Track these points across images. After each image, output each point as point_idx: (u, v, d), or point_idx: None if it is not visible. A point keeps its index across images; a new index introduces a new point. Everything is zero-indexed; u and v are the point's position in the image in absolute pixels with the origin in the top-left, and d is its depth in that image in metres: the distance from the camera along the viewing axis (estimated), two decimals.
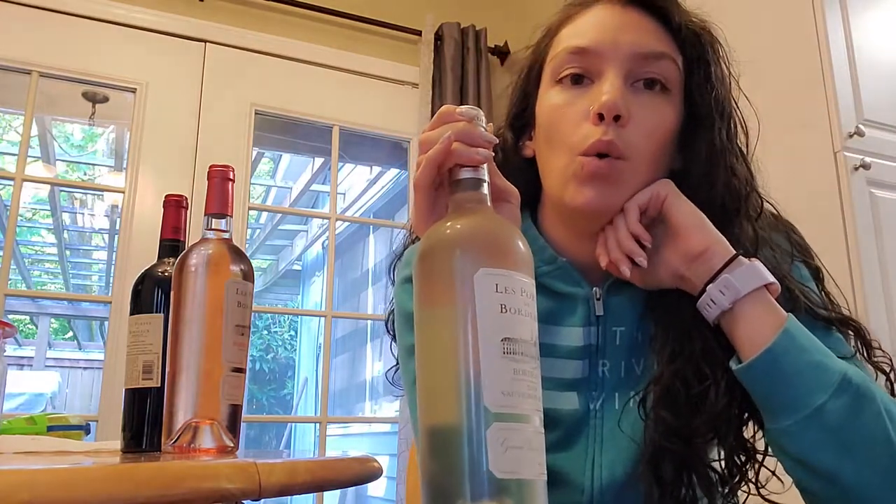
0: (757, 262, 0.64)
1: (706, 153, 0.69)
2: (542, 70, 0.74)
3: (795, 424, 0.60)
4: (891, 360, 0.69)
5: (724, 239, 0.65)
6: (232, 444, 0.66)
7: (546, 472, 0.46)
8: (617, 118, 0.65)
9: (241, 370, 0.70)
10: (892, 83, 1.73)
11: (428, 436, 0.47)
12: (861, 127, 1.60)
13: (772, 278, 0.63)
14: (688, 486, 0.66)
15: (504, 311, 0.46)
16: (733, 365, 0.63)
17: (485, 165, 0.54)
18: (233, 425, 0.68)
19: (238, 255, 0.71)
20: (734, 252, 0.64)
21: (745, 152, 0.72)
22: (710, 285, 0.63)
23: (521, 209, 0.65)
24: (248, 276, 0.71)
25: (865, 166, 1.56)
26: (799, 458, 0.61)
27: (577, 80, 0.69)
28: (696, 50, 0.70)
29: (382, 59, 2.62)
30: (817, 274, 0.74)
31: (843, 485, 0.59)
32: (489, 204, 0.53)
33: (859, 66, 1.67)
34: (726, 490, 0.67)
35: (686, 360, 0.66)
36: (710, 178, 0.69)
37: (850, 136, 1.58)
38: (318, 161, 4.98)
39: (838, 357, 0.63)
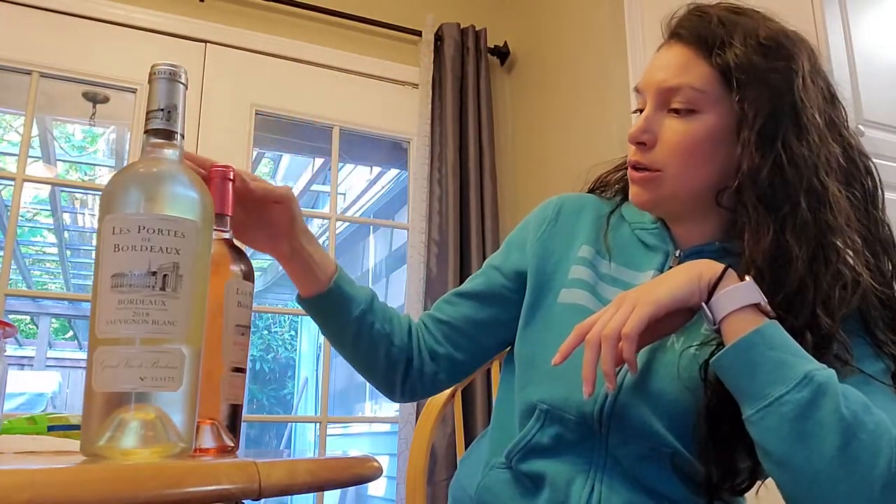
0: (745, 283, 0.73)
1: (746, 148, 0.79)
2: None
3: (756, 413, 0.68)
4: None
5: (703, 272, 0.74)
6: (232, 444, 0.66)
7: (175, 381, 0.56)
8: (643, 144, 0.83)
9: (241, 370, 0.70)
10: (892, 83, 1.73)
11: None
12: (861, 127, 1.60)
13: (757, 299, 0.71)
14: (732, 449, 0.76)
15: (117, 249, 0.55)
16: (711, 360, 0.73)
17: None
18: (233, 425, 0.68)
19: (238, 254, 0.71)
20: (717, 278, 0.73)
21: (843, 123, 0.86)
22: (704, 305, 0.74)
23: None
24: (248, 275, 0.71)
25: None
26: (760, 445, 0.69)
27: (640, 110, 0.87)
28: (746, 71, 0.79)
29: (382, 60, 2.62)
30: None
31: (794, 470, 0.66)
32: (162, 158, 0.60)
33: (859, 67, 1.67)
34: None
35: None
36: (753, 169, 0.78)
37: None
38: (318, 161, 4.98)
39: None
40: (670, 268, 0.85)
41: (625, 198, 0.96)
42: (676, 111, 0.82)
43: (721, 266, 0.74)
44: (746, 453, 0.76)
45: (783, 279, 0.74)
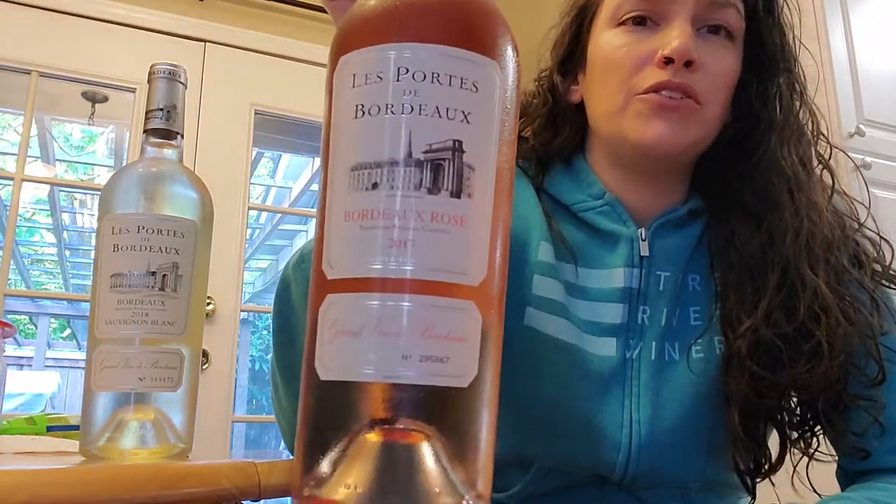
0: None
1: (781, 101, 0.68)
2: (597, 12, 0.72)
3: None
4: None
5: None
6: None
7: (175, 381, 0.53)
8: (689, 64, 0.63)
9: None
10: (893, 83, 1.73)
11: None
12: (861, 127, 1.60)
13: None
14: (765, 436, 0.66)
15: (116, 250, 0.55)
16: None
17: None
18: None
19: None
20: None
21: (810, 98, 0.72)
22: None
23: (572, 152, 0.69)
24: None
25: (865, 166, 1.56)
26: None
27: (640, 21, 0.67)
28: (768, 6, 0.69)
29: None
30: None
31: None
32: None
33: (860, 67, 1.67)
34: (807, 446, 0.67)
35: (785, 314, 0.64)
36: (786, 126, 0.68)
37: (850, 136, 1.58)
38: (318, 161, 4.97)
39: None
40: (641, 258, 0.69)
41: (541, 168, 0.75)
42: (715, 31, 0.66)
43: None
44: (780, 430, 0.68)
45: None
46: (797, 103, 0.70)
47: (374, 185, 0.29)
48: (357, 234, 0.29)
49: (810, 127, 0.71)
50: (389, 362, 0.28)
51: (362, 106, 0.31)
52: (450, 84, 0.30)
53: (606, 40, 0.69)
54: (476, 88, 0.31)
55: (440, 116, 0.30)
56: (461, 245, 0.30)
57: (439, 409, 0.29)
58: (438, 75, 0.30)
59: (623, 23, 0.68)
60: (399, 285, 0.29)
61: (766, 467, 0.68)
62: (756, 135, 0.69)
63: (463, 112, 0.30)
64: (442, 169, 0.29)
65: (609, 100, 0.68)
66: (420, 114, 0.30)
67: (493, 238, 0.31)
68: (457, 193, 0.29)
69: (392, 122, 0.30)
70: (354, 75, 0.31)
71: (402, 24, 0.31)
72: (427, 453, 0.28)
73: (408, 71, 0.30)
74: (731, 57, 0.67)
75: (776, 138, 0.68)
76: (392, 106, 0.30)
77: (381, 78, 0.30)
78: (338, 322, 0.29)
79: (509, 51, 0.33)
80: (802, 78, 0.72)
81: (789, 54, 0.70)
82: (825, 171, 0.71)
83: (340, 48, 0.33)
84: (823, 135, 0.72)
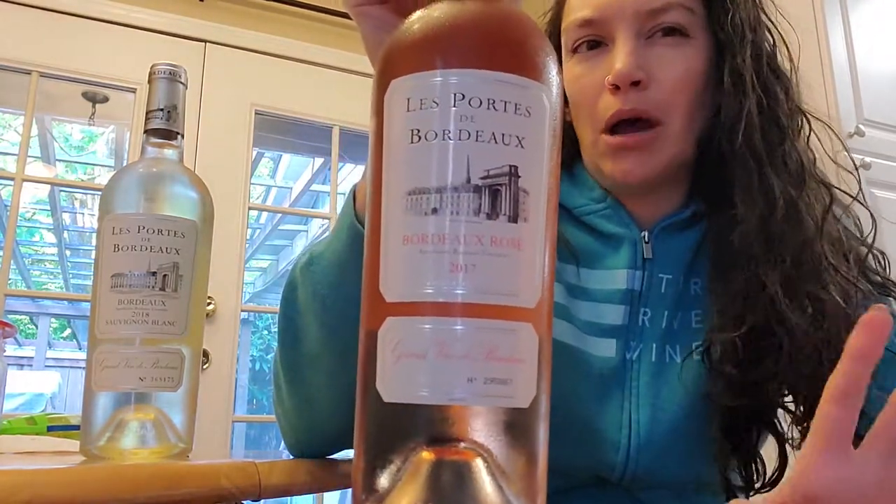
0: None
1: (731, 82, 0.66)
2: (560, 41, 0.72)
3: None
4: None
5: None
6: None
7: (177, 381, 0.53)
8: (637, 83, 0.63)
9: None
10: (892, 83, 1.73)
11: None
12: (861, 127, 1.60)
13: None
14: (756, 441, 0.65)
15: (116, 250, 0.55)
16: None
17: None
18: None
19: None
20: None
21: (783, 71, 0.69)
22: None
23: (573, 158, 0.71)
24: None
25: (865, 166, 1.56)
26: None
27: (594, 45, 0.68)
28: None
29: None
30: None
31: None
32: None
33: (859, 67, 1.67)
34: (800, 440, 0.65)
35: (747, 315, 0.63)
36: (740, 107, 0.65)
37: (850, 135, 1.58)
38: (318, 161, 4.98)
39: None
40: (644, 261, 0.69)
41: None
42: (665, 36, 0.65)
43: None
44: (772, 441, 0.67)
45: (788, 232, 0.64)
46: (767, 77, 0.67)
47: (434, 210, 0.30)
48: (417, 258, 0.30)
49: (783, 102, 0.68)
50: (455, 385, 0.29)
51: (418, 131, 0.31)
52: (504, 110, 0.31)
53: (568, 70, 0.70)
54: (529, 114, 0.31)
55: (496, 142, 0.31)
56: (519, 268, 0.31)
57: (501, 429, 0.30)
58: (494, 101, 0.31)
59: (576, 49, 0.69)
60: (461, 309, 0.30)
61: (763, 481, 0.67)
62: (730, 123, 0.66)
63: (517, 137, 0.31)
64: (499, 194, 0.30)
65: (583, 134, 0.70)
66: (477, 140, 0.30)
67: (545, 260, 0.32)
68: (514, 218, 0.30)
69: (450, 147, 0.31)
70: (409, 99, 0.32)
71: (456, 49, 0.32)
72: (484, 472, 0.29)
73: (464, 97, 0.31)
74: (687, 56, 0.66)
75: (727, 131, 0.66)
76: (449, 132, 0.31)
77: (436, 103, 0.31)
78: (401, 345, 0.30)
79: (554, 72, 0.34)
80: (775, 51, 0.70)
81: (753, 29, 0.68)
82: (798, 156, 0.68)
83: (390, 71, 0.33)
84: (800, 110, 0.69)
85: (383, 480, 0.30)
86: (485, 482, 0.29)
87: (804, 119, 0.70)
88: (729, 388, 0.63)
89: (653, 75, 0.64)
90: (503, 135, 0.31)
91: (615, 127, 0.65)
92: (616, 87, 0.64)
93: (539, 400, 0.31)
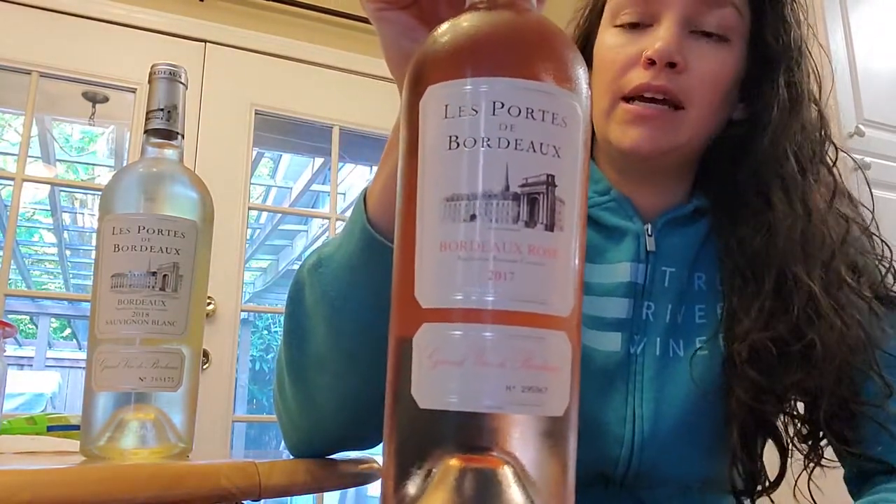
0: None
1: (779, 99, 0.67)
2: (603, 11, 0.72)
3: None
4: None
5: None
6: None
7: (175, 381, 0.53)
8: (673, 65, 0.64)
9: None
10: (892, 83, 1.73)
11: None
12: (861, 127, 1.60)
13: None
14: (764, 444, 0.66)
15: (116, 250, 0.55)
16: None
17: None
18: None
19: None
20: None
21: (817, 99, 0.71)
22: None
23: None
24: None
25: (865, 166, 1.56)
26: None
27: (635, 25, 0.68)
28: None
29: (382, 59, 2.61)
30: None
31: None
32: None
33: (859, 67, 1.67)
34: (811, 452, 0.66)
35: (779, 317, 0.64)
36: (782, 125, 0.67)
37: (850, 136, 1.58)
38: (318, 161, 4.98)
39: None
40: (648, 254, 0.70)
41: None
42: (708, 35, 0.66)
43: None
44: (778, 447, 0.67)
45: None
46: (800, 102, 0.69)
47: (472, 217, 0.30)
48: (455, 265, 0.30)
49: (817, 127, 0.71)
50: (493, 393, 0.29)
51: (456, 137, 0.31)
52: (542, 119, 0.31)
53: (603, 39, 0.70)
54: (565, 123, 0.32)
55: (535, 151, 0.31)
56: (555, 277, 0.31)
57: (535, 437, 0.30)
58: (532, 111, 0.31)
59: (620, 25, 0.69)
60: (498, 316, 0.30)
61: (762, 486, 0.67)
62: (755, 133, 0.68)
63: (554, 147, 0.31)
64: (537, 203, 0.30)
65: (598, 100, 0.69)
66: (516, 148, 0.30)
67: (577, 269, 0.32)
68: (550, 227, 0.30)
69: (489, 155, 0.31)
70: (447, 106, 0.31)
71: (495, 57, 0.32)
72: (513, 481, 0.29)
73: (503, 105, 0.31)
74: (724, 57, 0.67)
75: (770, 137, 0.67)
76: (488, 139, 0.31)
77: (475, 111, 0.31)
78: (437, 351, 0.30)
79: (585, 82, 0.34)
80: (813, 76, 0.72)
81: (795, 51, 0.69)
82: (829, 174, 0.71)
83: (426, 76, 0.33)
84: (829, 138, 0.72)
85: (413, 487, 0.30)
86: (514, 491, 0.29)
87: (832, 144, 0.73)
88: (751, 391, 0.63)
89: (688, 63, 0.65)
90: (541, 144, 0.31)
91: (634, 99, 0.66)
92: (651, 63, 0.64)
93: (572, 408, 0.31)
